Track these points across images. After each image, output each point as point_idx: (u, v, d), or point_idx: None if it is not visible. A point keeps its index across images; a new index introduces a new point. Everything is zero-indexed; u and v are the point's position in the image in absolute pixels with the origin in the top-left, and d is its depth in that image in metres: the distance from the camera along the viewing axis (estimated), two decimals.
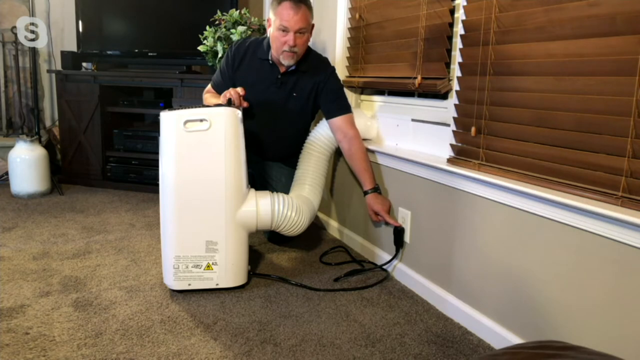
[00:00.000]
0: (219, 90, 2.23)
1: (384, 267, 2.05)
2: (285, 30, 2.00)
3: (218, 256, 1.79)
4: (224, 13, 2.91)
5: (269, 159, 2.34)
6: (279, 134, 2.27)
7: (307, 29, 2.04)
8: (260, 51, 2.18)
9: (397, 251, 1.97)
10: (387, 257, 2.03)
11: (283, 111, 2.21)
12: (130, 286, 1.86)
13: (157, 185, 1.84)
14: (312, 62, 2.17)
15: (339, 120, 2.14)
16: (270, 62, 2.15)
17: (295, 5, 1.98)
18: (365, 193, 2.07)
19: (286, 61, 2.08)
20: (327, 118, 2.17)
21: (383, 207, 2.01)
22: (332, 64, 2.24)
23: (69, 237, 2.40)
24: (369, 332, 1.57)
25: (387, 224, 2.02)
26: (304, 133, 2.30)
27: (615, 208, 1.14)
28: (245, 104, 2.06)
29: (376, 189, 2.06)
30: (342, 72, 2.47)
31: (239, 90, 2.04)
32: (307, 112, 2.25)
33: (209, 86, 2.31)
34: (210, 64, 2.99)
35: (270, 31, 2.07)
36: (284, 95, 2.18)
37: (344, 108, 2.15)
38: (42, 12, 3.70)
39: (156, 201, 3.06)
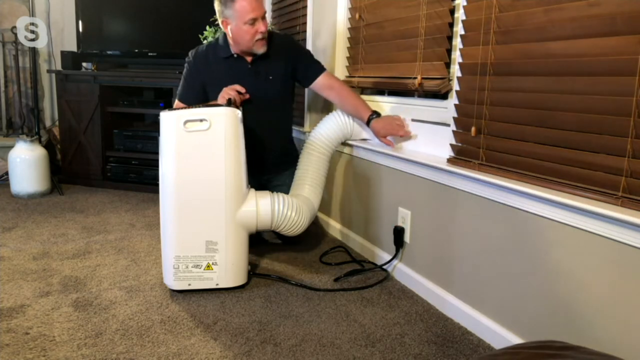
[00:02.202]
0: (190, 103, 2.19)
1: (384, 267, 2.05)
2: (254, 21, 2.03)
3: (218, 256, 1.79)
4: None
5: (267, 161, 2.31)
6: (269, 124, 2.24)
7: (266, 10, 2.10)
8: (220, 51, 2.18)
9: (397, 251, 1.97)
10: (387, 257, 2.03)
11: (267, 99, 2.20)
12: (130, 286, 1.86)
13: (157, 185, 1.84)
14: (271, 40, 2.17)
15: (322, 79, 2.21)
16: (235, 56, 2.17)
17: None
18: (369, 121, 2.08)
19: (261, 49, 2.11)
20: (310, 82, 2.23)
21: (392, 126, 1.99)
22: (295, 41, 2.31)
23: (69, 237, 2.40)
24: (369, 332, 1.57)
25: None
26: (290, 117, 2.37)
27: (615, 208, 1.14)
28: (247, 96, 2.09)
29: (376, 114, 2.08)
30: (342, 72, 2.47)
31: (237, 87, 2.05)
32: (287, 90, 2.28)
33: (177, 102, 2.26)
34: None
35: (231, 29, 2.07)
36: (261, 83, 2.19)
37: (321, 67, 2.24)
38: (42, 12, 3.70)
39: (156, 201, 3.06)
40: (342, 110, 2.21)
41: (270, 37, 2.16)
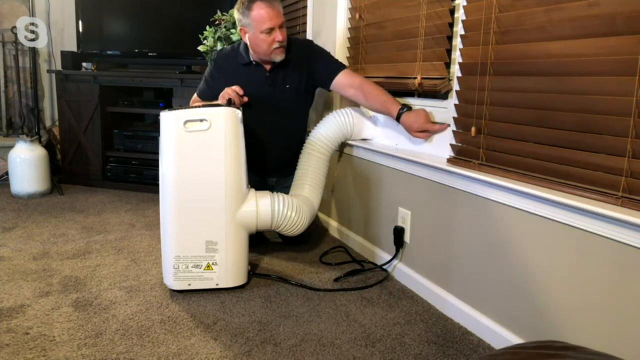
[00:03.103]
0: (207, 100, 2.24)
1: (384, 267, 2.05)
2: (271, 30, 2.02)
3: (218, 256, 1.79)
4: (224, 13, 2.91)
5: (277, 165, 2.32)
6: (284, 132, 2.26)
7: (284, 20, 2.08)
8: (240, 57, 2.19)
9: (397, 251, 1.97)
10: (387, 257, 2.03)
11: (283, 107, 2.21)
12: (130, 286, 1.86)
13: (157, 185, 1.84)
14: (291, 48, 2.16)
15: (341, 77, 2.14)
16: (254, 63, 2.17)
17: (269, 3, 2.01)
18: (398, 117, 1.93)
19: (279, 57, 2.10)
20: (329, 83, 2.16)
21: (425, 119, 1.84)
22: (314, 46, 2.27)
23: (69, 237, 2.40)
24: (369, 332, 1.57)
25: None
26: (305, 124, 2.34)
27: (615, 208, 1.14)
28: (245, 99, 2.08)
29: (406, 107, 1.93)
30: None
31: (237, 88, 2.05)
32: (302, 98, 2.26)
33: (195, 96, 2.31)
34: None
35: (249, 37, 2.07)
36: (278, 91, 2.19)
37: (339, 66, 2.17)
38: (42, 12, 3.70)
39: (156, 201, 3.06)
40: (369, 109, 2.16)
41: (289, 44, 2.14)
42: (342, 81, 2.14)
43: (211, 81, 2.25)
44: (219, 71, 2.23)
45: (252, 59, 2.16)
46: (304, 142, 2.24)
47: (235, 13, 2.11)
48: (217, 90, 2.17)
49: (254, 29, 2.03)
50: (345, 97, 2.22)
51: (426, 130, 1.84)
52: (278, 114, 2.21)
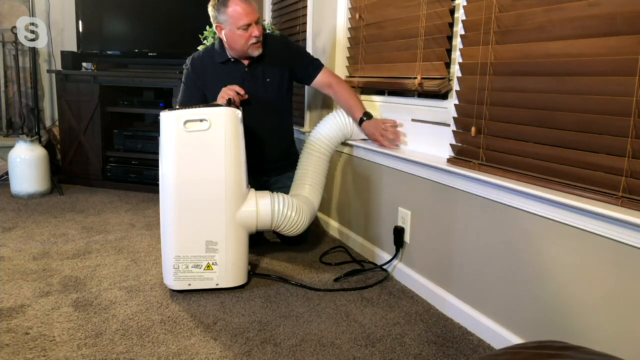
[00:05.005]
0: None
1: (384, 267, 2.05)
2: (247, 26, 2.04)
3: (218, 256, 1.79)
4: None
5: (269, 164, 2.32)
6: (270, 128, 2.26)
7: (259, 15, 2.12)
8: (217, 56, 2.20)
9: (397, 251, 1.97)
10: (387, 257, 2.03)
11: (265, 101, 2.22)
12: (130, 286, 1.86)
13: (157, 185, 1.84)
14: (266, 43, 2.18)
15: (321, 77, 2.25)
16: (232, 60, 2.18)
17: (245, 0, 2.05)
18: (361, 122, 2.13)
19: (256, 52, 2.13)
20: (311, 80, 2.26)
21: (382, 126, 2.05)
22: (290, 41, 2.35)
23: (69, 237, 2.40)
24: (369, 332, 1.57)
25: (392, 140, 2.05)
26: (290, 120, 2.38)
27: (615, 208, 1.14)
28: (245, 97, 2.10)
29: (367, 115, 2.12)
30: (342, 72, 2.47)
31: (237, 88, 2.05)
32: (285, 92, 2.28)
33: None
34: None
35: (225, 34, 2.09)
36: (259, 85, 2.20)
37: (320, 64, 2.26)
38: (42, 12, 3.70)
39: (156, 201, 3.06)
40: (338, 103, 2.25)
41: (265, 39, 2.16)
42: (322, 80, 2.25)
43: (193, 86, 2.23)
44: (196, 73, 2.22)
45: (229, 56, 2.17)
46: (292, 138, 2.27)
47: (210, 10, 2.12)
48: (199, 95, 2.19)
49: (231, 25, 2.05)
50: (322, 93, 2.35)
51: (376, 142, 2.08)
52: (262, 109, 2.21)
